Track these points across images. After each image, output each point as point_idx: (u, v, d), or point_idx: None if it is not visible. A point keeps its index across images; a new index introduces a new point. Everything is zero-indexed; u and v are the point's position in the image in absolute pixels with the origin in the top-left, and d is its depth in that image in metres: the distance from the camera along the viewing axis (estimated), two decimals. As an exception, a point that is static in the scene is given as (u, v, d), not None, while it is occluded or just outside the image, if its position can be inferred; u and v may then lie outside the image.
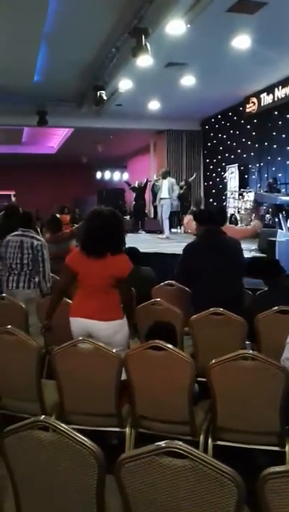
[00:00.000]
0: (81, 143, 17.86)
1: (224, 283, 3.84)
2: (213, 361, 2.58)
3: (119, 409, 2.85)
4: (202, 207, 12.95)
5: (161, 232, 11.73)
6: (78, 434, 1.62)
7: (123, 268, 3.26)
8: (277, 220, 8.30)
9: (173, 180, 12.04)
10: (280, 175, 11.99)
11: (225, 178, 14.45)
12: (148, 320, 3.38)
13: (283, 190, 11.10)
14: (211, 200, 15.57)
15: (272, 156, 12.54)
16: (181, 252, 4.29)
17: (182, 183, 14.04)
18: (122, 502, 1.65)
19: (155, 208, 13.26)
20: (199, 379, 2.83)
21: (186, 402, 2.68)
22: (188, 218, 12.04)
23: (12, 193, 22.04)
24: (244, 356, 2.57)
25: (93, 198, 22.06)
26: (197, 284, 3.99)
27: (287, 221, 8.03)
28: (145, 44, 7.54)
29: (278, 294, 3.92)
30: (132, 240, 7.36)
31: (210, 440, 2.72)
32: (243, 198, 12.41)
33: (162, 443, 1.51)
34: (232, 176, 14.08)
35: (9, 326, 2.99)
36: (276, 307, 3.50)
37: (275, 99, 11.75)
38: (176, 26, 7.47)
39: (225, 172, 14.43)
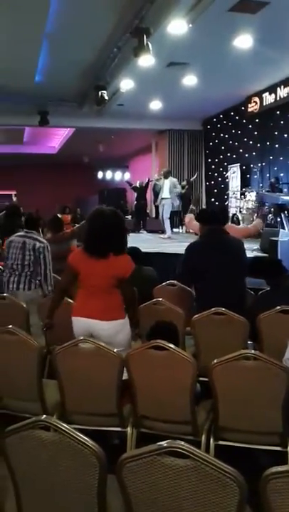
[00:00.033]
0: (82, 143, 17.85)
1: (228, 283, 3.81)
2: (215, 361, 2.57)
3: (121, 409, 2.85)
4: (202, 205, 12.90)
5: (163, 231, 11.73)
6: (80, 434, 1.62)
7: (125, 268, 3.26)
8: (279, 219, 8.29)
9: (174, 180, 12.04)
10: (282, 174, 11.95)
11: (227, 177, 14.44)
12: (150, 320, 3.38)
13: (285, 189, 11.07)
14: (212, 199, 15.56)
15: (274, 155, 12.50)
16: (182, 252, 4.27)
17: (184, 182, 14.05)
18: (123, 502, 1.65)
19: (157, 207, 13.25)
20: (201, 379, 2.82)
21: (188, 402, 2.68)
22: (189, 217, 12.01)
23: (13, 192, 22.00)
24: (246, 356, 2.57)
25: (95, 198, 22.07)
26: (200, 284, 3.98)
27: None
28: (147, 44, 7.53)
29: (280, 293, 3.92)
30: (133, 240, 7.37)
31: (212, 440, 2.72)
32: (244, 198, 12.39)
33: (164, 443, 1.51)
34: (234, 176, 14.06)
35: (10, 326, 2.98)
36: (278, 307, 3.50)
37: (277, 98, 11.71)
38: (177, 26, 7.47)
39: (227, 172, 14.42)
